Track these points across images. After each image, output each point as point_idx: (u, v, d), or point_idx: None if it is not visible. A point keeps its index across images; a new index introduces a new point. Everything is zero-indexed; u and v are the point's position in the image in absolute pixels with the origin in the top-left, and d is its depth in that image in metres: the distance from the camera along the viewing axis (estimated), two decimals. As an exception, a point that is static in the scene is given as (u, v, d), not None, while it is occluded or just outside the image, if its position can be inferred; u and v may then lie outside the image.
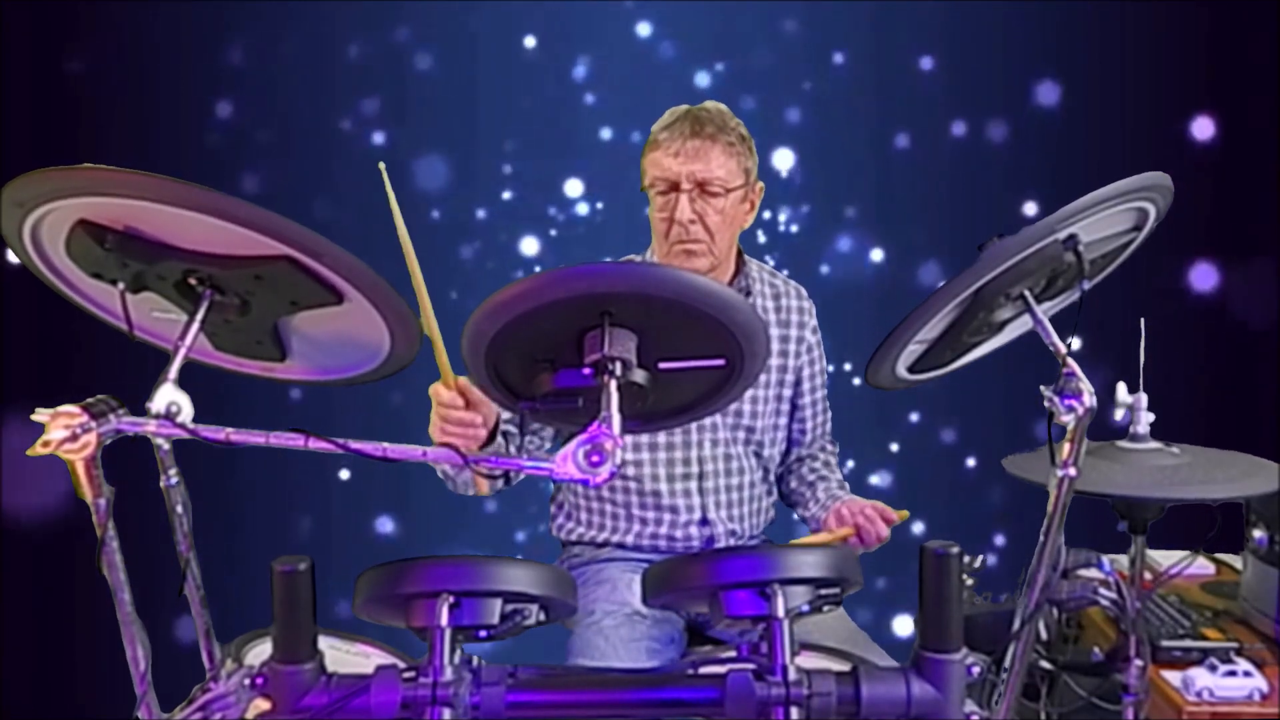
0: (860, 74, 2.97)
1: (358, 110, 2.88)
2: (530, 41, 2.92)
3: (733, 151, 1.74)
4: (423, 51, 2.89)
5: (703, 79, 2.95)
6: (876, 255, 3.03)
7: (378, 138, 2.89)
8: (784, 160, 2.97)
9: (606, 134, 2.95)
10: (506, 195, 2.96)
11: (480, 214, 2.96)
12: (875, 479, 3.09)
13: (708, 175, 1.71)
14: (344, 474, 2.96)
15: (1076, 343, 1.20)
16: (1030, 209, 2.93)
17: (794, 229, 3.00)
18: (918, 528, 3.01)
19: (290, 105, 2.81)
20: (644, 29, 2.94)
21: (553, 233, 2.97)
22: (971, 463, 3.08)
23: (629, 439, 1.78)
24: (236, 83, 2.81)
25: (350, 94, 2.88)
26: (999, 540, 3.02)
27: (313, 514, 2.94)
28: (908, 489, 3.06)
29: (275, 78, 2.81)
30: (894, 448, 3.10)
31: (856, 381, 2.92)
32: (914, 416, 3.08)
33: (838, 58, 2.98)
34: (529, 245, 2.97)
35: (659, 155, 1.74)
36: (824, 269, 3.02)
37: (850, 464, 3.03)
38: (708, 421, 1.83)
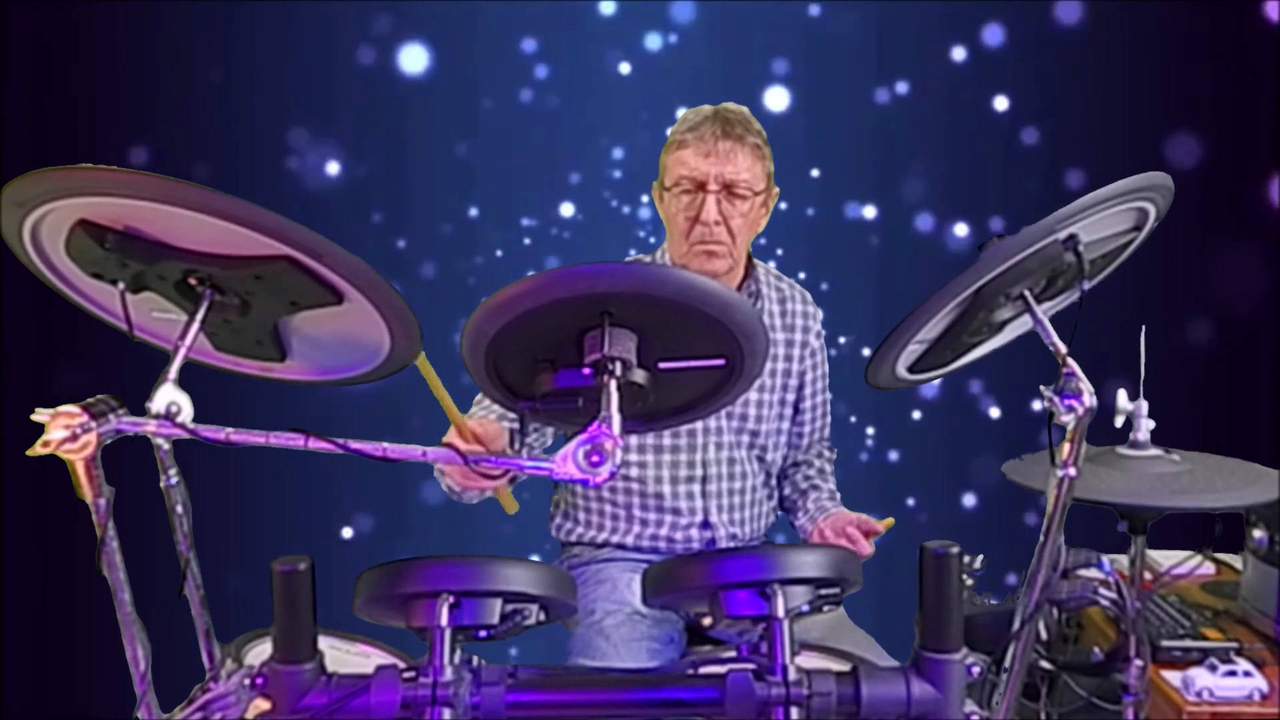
0: (840, 22, 2.81)
1: (310, 125, 2.78)
2: (487, 34, 2.80)
3: (758, 155, 1.74)
4: (371, 55, 2.79)
5: (654, 41, 2.81)
6: (870, 212, 2.89)
7: (335, 158, 2.78)
8: (775, 103, 2.84)
9: (575, 128, 2.87)
10: (473, 213, 2.88)
11: (447, 229, 2.87)
12: (894, 454, 2.98)
13: (735, 177, 1.71)
14: (346, 532, 2.90)
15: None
16: (1048, 141, 2.71)
17: (783, 206, 2.89)
18: (969, 500, 2.93)
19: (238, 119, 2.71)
20: (607, 7, 2.82)
21: (527, 241, 2.90)
22: (996, 413, 2.91)
23: (633, 440, 1.80)
24: (177, 102, 2.69)
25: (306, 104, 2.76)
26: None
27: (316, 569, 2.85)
28: (931, 461, 2.94)
29: (217, 95, 2.71)
30: (916, 415, 2.97)
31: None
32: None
33: (814, 10, 2.85)
34: (510, 253, 2.89)
35: (686, 155, 1.72)
36: (819, 234, 2.89)
37: (870, 431, 2.95)
38: (712, 425, 1.83)
